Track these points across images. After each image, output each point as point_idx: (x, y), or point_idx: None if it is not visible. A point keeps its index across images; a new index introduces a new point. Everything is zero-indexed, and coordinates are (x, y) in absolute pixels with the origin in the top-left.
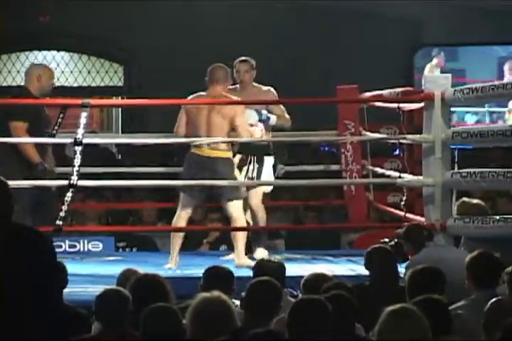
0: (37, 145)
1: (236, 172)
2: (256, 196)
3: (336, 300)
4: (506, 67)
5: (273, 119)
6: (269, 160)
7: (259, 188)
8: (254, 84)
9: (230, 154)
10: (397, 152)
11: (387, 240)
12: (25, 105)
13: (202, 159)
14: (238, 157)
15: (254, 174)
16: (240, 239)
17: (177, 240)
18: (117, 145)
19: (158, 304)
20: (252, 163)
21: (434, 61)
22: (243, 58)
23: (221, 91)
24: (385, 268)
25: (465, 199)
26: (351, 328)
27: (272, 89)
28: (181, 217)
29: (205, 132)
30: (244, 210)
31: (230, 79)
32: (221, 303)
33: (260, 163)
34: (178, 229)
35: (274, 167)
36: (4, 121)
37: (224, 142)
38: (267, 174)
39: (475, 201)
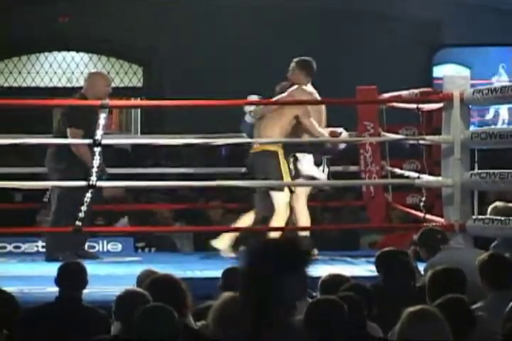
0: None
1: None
2: (296, 199)
3: (351, 300)
4: None
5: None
6: (306, 159)
7: (298, 191)
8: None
9: (273, 148)
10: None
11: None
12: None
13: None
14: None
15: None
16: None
17: None
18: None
19: (153, 304)
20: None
21: None
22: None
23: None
24: (400, 268)
25: (498, 203)
26: (365, 328)
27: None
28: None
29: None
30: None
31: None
32: None
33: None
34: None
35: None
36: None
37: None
38: (307, 172)
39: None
